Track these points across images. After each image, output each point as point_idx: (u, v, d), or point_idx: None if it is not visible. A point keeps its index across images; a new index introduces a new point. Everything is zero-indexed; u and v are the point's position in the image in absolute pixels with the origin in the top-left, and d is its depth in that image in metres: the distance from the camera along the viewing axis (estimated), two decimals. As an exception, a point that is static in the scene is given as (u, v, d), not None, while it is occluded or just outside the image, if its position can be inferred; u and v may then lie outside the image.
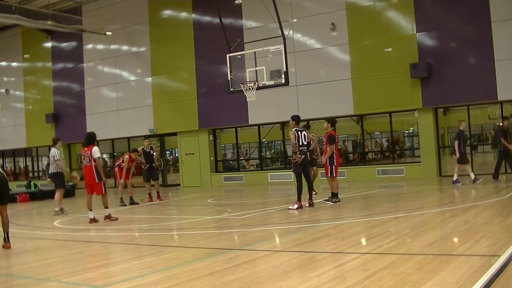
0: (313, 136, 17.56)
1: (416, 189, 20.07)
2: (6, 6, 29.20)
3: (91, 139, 15.44)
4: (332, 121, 16.52)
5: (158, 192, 21.73)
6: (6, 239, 11.13)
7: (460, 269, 6.79)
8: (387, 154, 29.62)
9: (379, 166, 27.14)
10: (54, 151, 18.70)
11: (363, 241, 9.79)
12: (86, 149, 15.22)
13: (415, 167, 25.66)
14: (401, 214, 12.89)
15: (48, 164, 20.07)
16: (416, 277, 6.47)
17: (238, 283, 6.84)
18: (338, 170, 16.45)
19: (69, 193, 28.54)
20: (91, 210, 15.33)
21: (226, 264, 8.08)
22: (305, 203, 15.22)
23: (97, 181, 15.17)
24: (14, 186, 31.30)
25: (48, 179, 19.85)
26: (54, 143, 19.00)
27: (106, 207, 15.47)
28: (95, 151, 15.08)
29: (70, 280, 7.82)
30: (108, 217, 15.38)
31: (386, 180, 24.87)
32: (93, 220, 15.16)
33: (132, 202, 20.44)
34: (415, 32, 24.69)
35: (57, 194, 18.84)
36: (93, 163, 15.06)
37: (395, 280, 6.40)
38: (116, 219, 15.50)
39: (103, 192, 15.36)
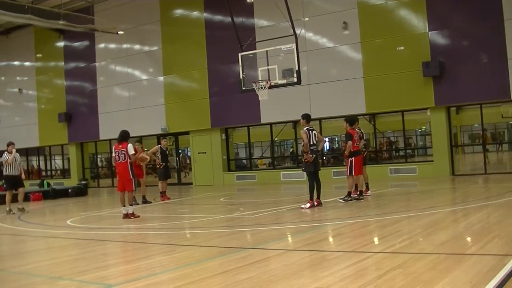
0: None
1: (429, 188, 20.00)
2: (19, 6, 29.33)
3: (125, 136, 15.86)
4: (350, 120, 16.70)
5: (165, 191, 21.78)
6: None
7: (473, 268, 6.77)
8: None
9: (391, 165, 27.11)
10: (4, 154, 19.75)
11: (375, 240, 9.78)
12: (120, 146, 15.62)
13: (427, 166, 25.59)
14: (413, 213, 12.86)
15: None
16: (428, 277, 6.46)
17: (250, 282, 6.84)
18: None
19: (81, 191, 28.65)
20: (124, 206, 15.58)
21: (238, 263, 8.07)
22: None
23: (130, 177, 15.53)
24: (28, 185, 31.43)
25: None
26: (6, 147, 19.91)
27: (131, 205, 15.76)
28: (130, 147, 15.60)
29: (82, 278, 7.83)
30: (132, 214, 15.53)
31: (398, 179, 24.82)
32: (126, 216, 15.45)
33: (145, 201, 20.49)
34: (427, 30, 24.61)
35: (7, 195, 19.84)
36: (128, 159, 15.48)
37: (407, 279, 6.38)
38: (138, 216, 15.63)
39: (134, 189, 15.85)
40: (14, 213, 19.09)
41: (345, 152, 16.59)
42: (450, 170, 24.76)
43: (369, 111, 26.42)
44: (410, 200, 16.77)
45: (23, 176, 20.30)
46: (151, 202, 20.69)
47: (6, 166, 19.49)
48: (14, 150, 19.64)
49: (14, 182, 19.74)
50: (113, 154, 15.86)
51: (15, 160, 19.55)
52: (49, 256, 10.48)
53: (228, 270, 7.70)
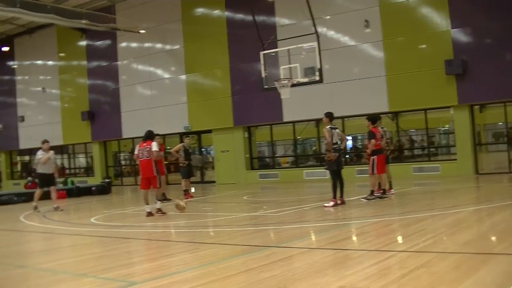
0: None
1: (452, 186, 19.90)
2: (42, 6, 29.62)
3: (150, 135, 16.09)
4: (372, 118, 16.62)
5: (188, 190, 21.84)
6: None
7: (497, 268, 6.75)
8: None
9: (414, 163, 26.98)
10: (38, 152, 19.87)
11: (399, 239, 9.76)
12: (145, 144, 15.78)
13: (450, 164, 25.44)
14: (437, 212, 12.79)
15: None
16: (453, 276, 6.43)
17: (274, 280, 6.85)
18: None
19: (105, 190, 28.83)
20: (148, 204, 15.68)
21: (262, 261, 8.09)
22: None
23: (154, 174, 15.65)
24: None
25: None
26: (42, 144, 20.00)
27: (159, 200, 15.98)
28: (154, 145, 15.72)
29: (106, 276, 7.89)
30: (159, 210, 15.68)
31: (422, 178, 24.70)
32: (150, 214, 15.53)
33: (164, 199, 20.54)
34: (450, 28, 24.45)
35: (37, 192, 20.00)
36: (152, 157, 15.63)
37: (431, 278, 6.36)
38: (165, 213, 15.75)
39: (158, 186, 15.96)
40: (39, 211, 19.21)
41: (367, 150, 16.60)
42: (474, 168, 24.59)
43: (392, 110, 26.32)
44: (434, 199, 16.70)
45: (56, 174, 20.43)
46: (170, 200, 20.77)
47: (40, 164, 19.55)
48: (50, 151, 19.77)
49: (47, 180, 19.81)
50: (136, 152, 16.03)
51: (49, 159, 19.63)
52: (74, 253, 10.56)
53: (251, 268, 7.70)
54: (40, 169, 19.65)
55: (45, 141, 19.90)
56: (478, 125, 25.76)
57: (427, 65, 24.80)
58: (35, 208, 19.45)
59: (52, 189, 19.92)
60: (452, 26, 24.39)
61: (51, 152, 19.83)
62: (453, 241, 8.88)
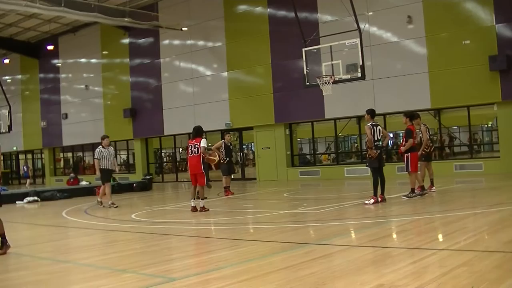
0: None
1: (495, 184, 19.66)
2: (86, 5, 29.97)
3: (199, 132, 16.18)
4: (410, 115, 16.38)
5: (228, 186, 21.86)
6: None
7: (540, 267, 6.64)
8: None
9: (456, 161, 26.69)
10: (97, 149, 19.61)
11: (440, 237, 9.65)
12: (194, 141, 15.92)
13: (493, 162, 25.12)
14: (479, 210, 12.65)
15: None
16: (494, 275, 6.34)
17: (313, 277, 6.83)
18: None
19: (146, 186, 29.06)
20: (194, 199, 15.89)
21: (301, 259, 8.06)
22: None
23: (202, 171, 15.78)
24: (93, 179, 32.11)
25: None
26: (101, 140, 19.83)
27: (203, 199, 16.02)
28: (203, 141, 15.82)
29: (146, 272, 7.94)
30: (203, 208, 15.77)
31: (464, 175, 24.43)
32: (194, 209, 15.73)
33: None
34: (494, 23, 24.11)
35: (102, 188, 19.85)
36: (201, 153, 15.72)
37: (472, 277, 6.27)
38: (208, 210, 15.86)
39: (205, 183, 16.06)
40: (116, 206, 19.09)
41: (401, 148, 16.33)
42: (518, 166, 24.24)
43: (434, 106, 26.06)
44: (476, 197, 16.50)
45: (116, 169, 20.45)
46: (206, 198, 20.78)
47: (101, 160, 19.46)
48: (110, 147, 19.75)
49: (109, 175, 19.75)
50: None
51: (109, 154, 19.59)
52: (115, 249, 10.64)
53: (291, 265, 7.69)
54: (101, 165, 19.48)
55: (105, 137, 19.73)
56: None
57: (470, 61, 24.50)
58: (112, 204, 19.31)
59: (107, 185, 19.79)
60: (497, 21, 24.05)
61: (111, 148, 19.85)
62: (495, 239, 8.77)
